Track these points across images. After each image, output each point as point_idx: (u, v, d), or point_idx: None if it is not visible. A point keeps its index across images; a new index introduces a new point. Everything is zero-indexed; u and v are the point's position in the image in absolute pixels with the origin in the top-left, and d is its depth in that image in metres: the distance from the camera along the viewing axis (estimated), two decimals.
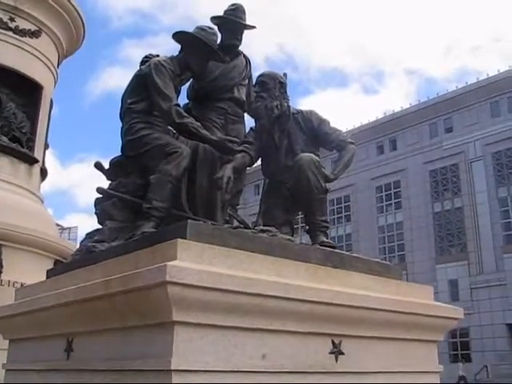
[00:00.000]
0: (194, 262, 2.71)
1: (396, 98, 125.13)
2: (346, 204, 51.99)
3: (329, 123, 4.55)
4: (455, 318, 4.14)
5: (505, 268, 40.78)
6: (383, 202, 49.65)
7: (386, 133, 49.31)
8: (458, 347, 42.15)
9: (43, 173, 9.88)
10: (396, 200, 48.67)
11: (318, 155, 4.44)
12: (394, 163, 48.51)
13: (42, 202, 9.64)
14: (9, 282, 7.72)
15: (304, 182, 4.08)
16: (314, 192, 4.09)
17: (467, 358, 40.88)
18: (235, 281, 2.69)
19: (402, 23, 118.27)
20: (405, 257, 46.82)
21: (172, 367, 2.51)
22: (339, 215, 52.60)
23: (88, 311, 3.14)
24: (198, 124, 4.17)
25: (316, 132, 4.48)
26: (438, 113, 46.16)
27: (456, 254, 43.85)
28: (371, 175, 49.83)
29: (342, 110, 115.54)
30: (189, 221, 3.06)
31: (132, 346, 2.84)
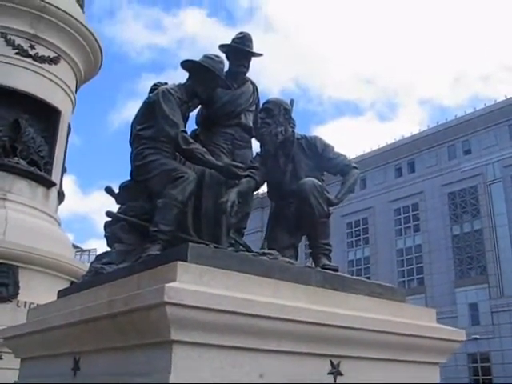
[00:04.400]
0: (192, 283, 2.82)
1: (410, 126, 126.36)
2: (365, 226, 51.80)
3: (333, 148, 4.66)
4: (457, 341, 4.17)
5: None
6: (402, 224, 49.38)
7: (405, 155, 49.25)
8: (479, 372, 41.48)
9: (60, 196, 10.09)
10: (415, 223, 48.39)
11: (322, 180, 4.54)
12: (412, 185, 48.35)
13: (59, 224, 9.83)
14: (25, 303, 7.88)
15: (306, 206, 4.18)
16: (316, 216, 4.19)
17: None
18: (231, 301, 2.80)
19: (411, 54, 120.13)
20: (424, 280, 46.38)
21: None
22: (357, 238, 52.41)
23: (94, 330, 3.25)
24: (204, 150, 4.31)
25: (320, 157, 4.59)
26: (456, 135, 46.05)
27: (476, 277, 43.36)
28: (389, 198, 49.68)
29: (358, 137, 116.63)
30: (190, 243, 3.17)
31: (134, 364, 2.95)
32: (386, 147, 50.86)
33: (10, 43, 9.24)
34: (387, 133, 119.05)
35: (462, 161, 45.71)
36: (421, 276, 46.74)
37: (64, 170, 10.28)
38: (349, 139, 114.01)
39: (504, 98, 44.70)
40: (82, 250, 44.98)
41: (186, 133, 4.31)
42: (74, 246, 17.04)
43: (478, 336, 39.27)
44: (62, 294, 4.37)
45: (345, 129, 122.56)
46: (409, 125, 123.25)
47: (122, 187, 4.52)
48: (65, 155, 10.20)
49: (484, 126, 44.43)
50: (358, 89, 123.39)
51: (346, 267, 46.15)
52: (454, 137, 46.28)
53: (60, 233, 9.66)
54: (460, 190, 45.60)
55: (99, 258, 4.30)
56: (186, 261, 2.99)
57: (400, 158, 49.55)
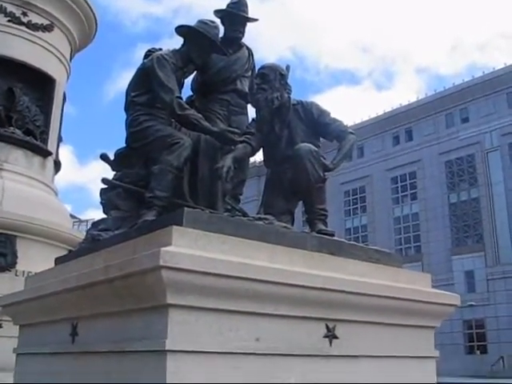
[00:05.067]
0: (188, 247, 2.82)
1: (407, 95, 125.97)
2: (362, 195, 51.96)
3: (329, 114, 4.62)
4: (453, 305, 4.20)
5: None
6: (399, 192, 49.55)
7: (402, 123, 49.14)
8: (474, 338, 42.02)
9: (57, 165, 10.05)
10: (412, 191, 48.56)
11: (318, 146, 4.51)
12: (409, 154, 48.38)
13: (56, 193, 9.81)
14: (23, 272, 7.89)
15: (302, 171, 4.16)
16: (311, 181, 4.17)
17: (483, 350, 40.79)
18: (227, 265, 2.80)
19: (408, 22, 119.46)
20: (421, 248, 46.73)
21: (166, 348, 2.63)
22: (355, 206, 52.60)
23: (90, 296, 3.26)
24: (200, 116, 4.28)
25: (316, 123, 4.56)
26: (455, 103, 45.89)
27: (472, 245, 43.68)
28: (387, 166, 49.74)
29: (355, 106, 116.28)
30: (185, 208, 3.17)
31: (131, 329, 2.96)
32: (383, 115, 50.72)
33: (1, 10, 9.09)
34: (384, 102, 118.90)
35: (459, 129, 45.65)
36: (418, 244, 47.09)
37: (60, 140, 10.22)
38: (346, 108, 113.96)
39: (503, 66, 44.44)
40: (80, 221, 45.07)
41: (181, 99, 4.28)
42: (72, 217, 17.02)
43: (473, 303, 39.70)
44: (59, 261, 4.38)
45: (342, 98, 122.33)
46: (406, 93, 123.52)
47: (118, 154, 4.50)
48: (60, 124, 10.13)
49: (482, 94, 44.26)
50: (355, 57, 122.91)
51: (343, 235, 46.36)
52: (451, 105, 46.15)
53: (57, 202, 9.65)
54: (457, 159, 45.64)
55: (95, 224, 4.30)
56: (181, 225, 2.98)
57: (398, 126, 49.46)
